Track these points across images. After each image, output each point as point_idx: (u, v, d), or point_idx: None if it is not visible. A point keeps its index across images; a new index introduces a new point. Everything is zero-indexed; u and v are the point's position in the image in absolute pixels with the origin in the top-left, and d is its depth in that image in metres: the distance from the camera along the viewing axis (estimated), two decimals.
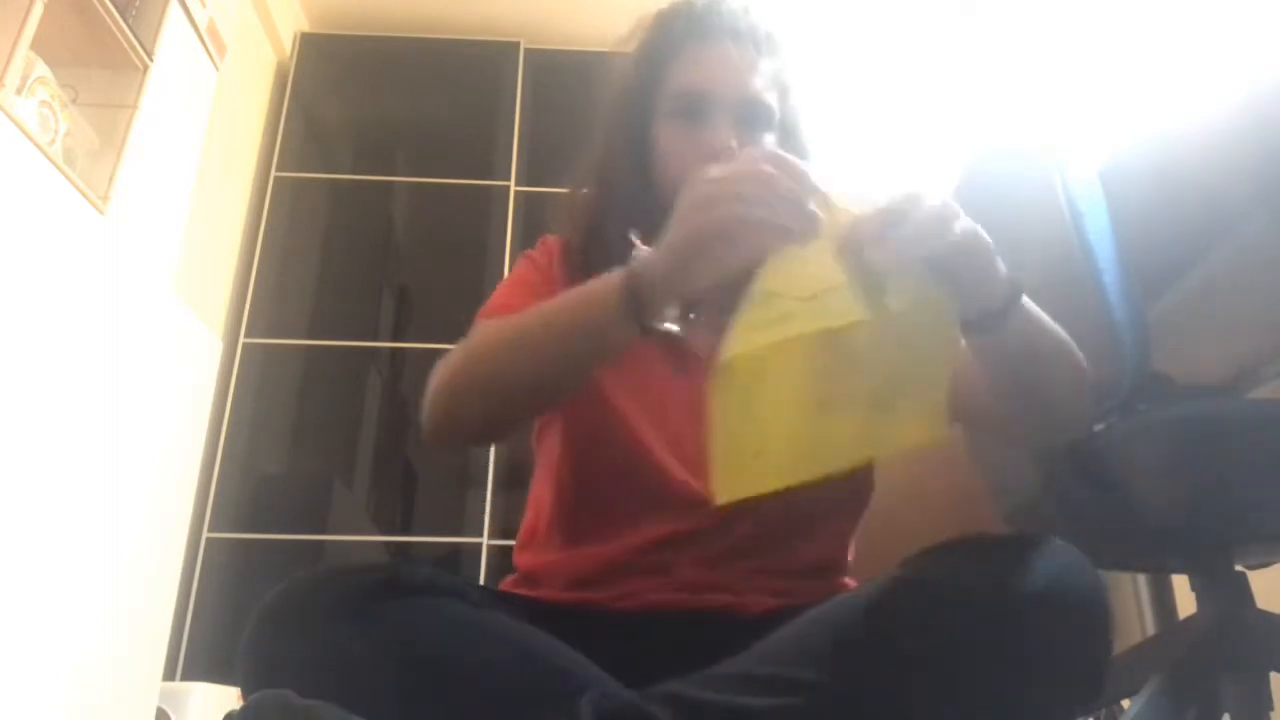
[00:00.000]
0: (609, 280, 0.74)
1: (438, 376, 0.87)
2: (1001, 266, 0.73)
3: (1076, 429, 0.96)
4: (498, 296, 0.99)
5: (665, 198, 0.88)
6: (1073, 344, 0.83)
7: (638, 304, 0.72)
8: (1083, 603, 0.64)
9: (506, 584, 0.95)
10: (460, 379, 0.85)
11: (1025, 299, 0.75)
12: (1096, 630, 0.64)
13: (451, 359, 0.87)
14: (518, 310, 0.90)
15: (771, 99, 0.97)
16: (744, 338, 0.63)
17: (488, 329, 0.87)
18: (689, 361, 0.91)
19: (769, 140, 0.97)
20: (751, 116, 0.95)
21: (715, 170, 0.69)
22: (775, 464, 0.66)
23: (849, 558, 0.96)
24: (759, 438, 0.66)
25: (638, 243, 0.77)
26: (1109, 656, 0.64)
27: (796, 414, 0.66)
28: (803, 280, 0.64)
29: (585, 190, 1.03)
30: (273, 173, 2.90)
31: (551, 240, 1.06)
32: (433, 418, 0.87)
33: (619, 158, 0.99)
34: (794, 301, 0.64)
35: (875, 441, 0.69)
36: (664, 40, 1.00)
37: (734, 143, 0.92)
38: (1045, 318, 0.80)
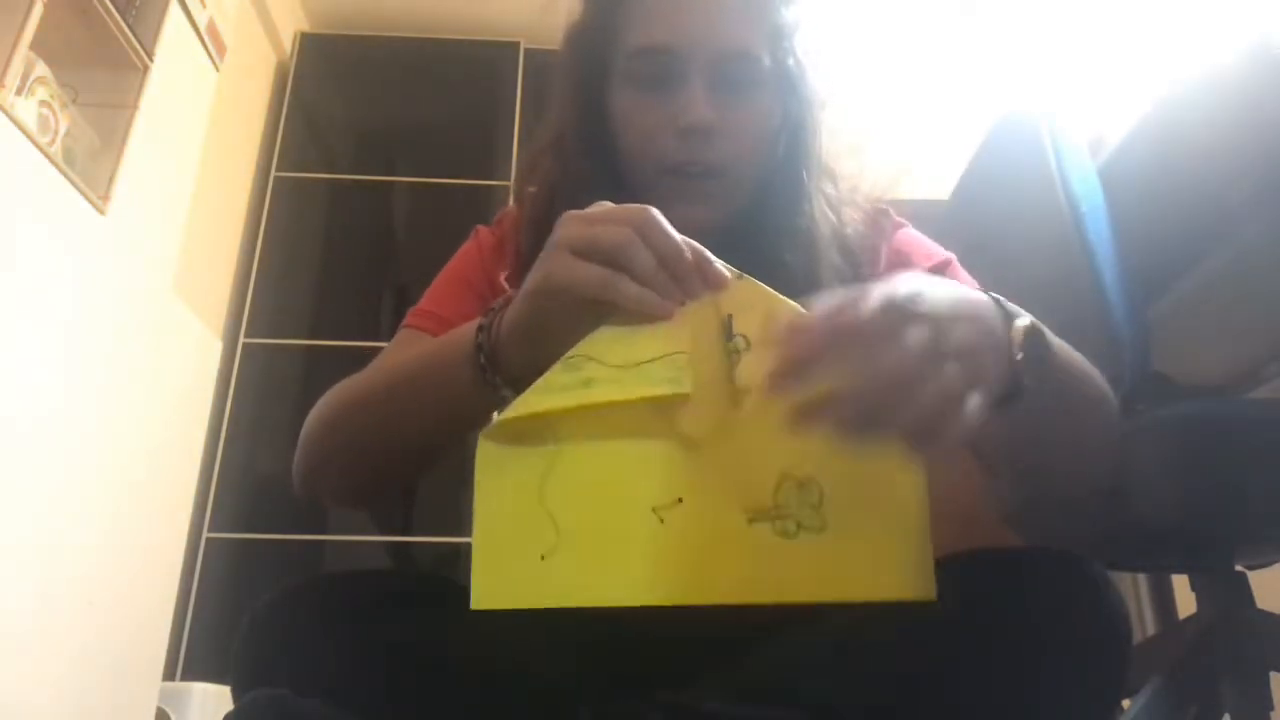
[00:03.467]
0: (463, 334, 0.63)
1: (310, 421, 0.76)
2: (1004, 332, 0.55)
3: (1086, 489, 0.78)
4: (429, 296, 0.87)
5: (633, 181, 0.79)
6: (1106, 391, 0.68)
7: (491, 365, 0.60)
8: (1099, 623, 0.61)
9: None
10: (324, 436, 0.75)
11: (1053, 358, 0.60)
12: (1113, 651, 0.61)
13: (325, 402, 0.76)
14: (444, 320, 0.82)
15: (759, 48, 0.76)
16: (525, 401, 0.51)
17: (358, 380, 0.76)
18: None
19: (760, 96, 0.77)
20: (732, 76, 0.76)
21: (586, 220, 0.56)
22: (585, 573, 0.51)
23: None
24: (547, 533, 0.51)
25: (506, 285, 0.66)
26: (1125, 677, 0.62)
27: (622, 513, 0.51)
28: (628, 347, 0.52)
29: (539, 184, 0.86)
30: (273, 173, 2.90)
31: (513, 219, 0.90)
32: (299, 471, 0.77)
33: (573, 141, 0.82)
34: (606, 368, 0.51)
35: (787, 580, 0.51)
36: None
37: (710, 113, 0.74)
38: (1077, 366, 0.65)
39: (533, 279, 0.58)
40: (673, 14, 0.75)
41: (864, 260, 0.81)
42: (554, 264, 0.56)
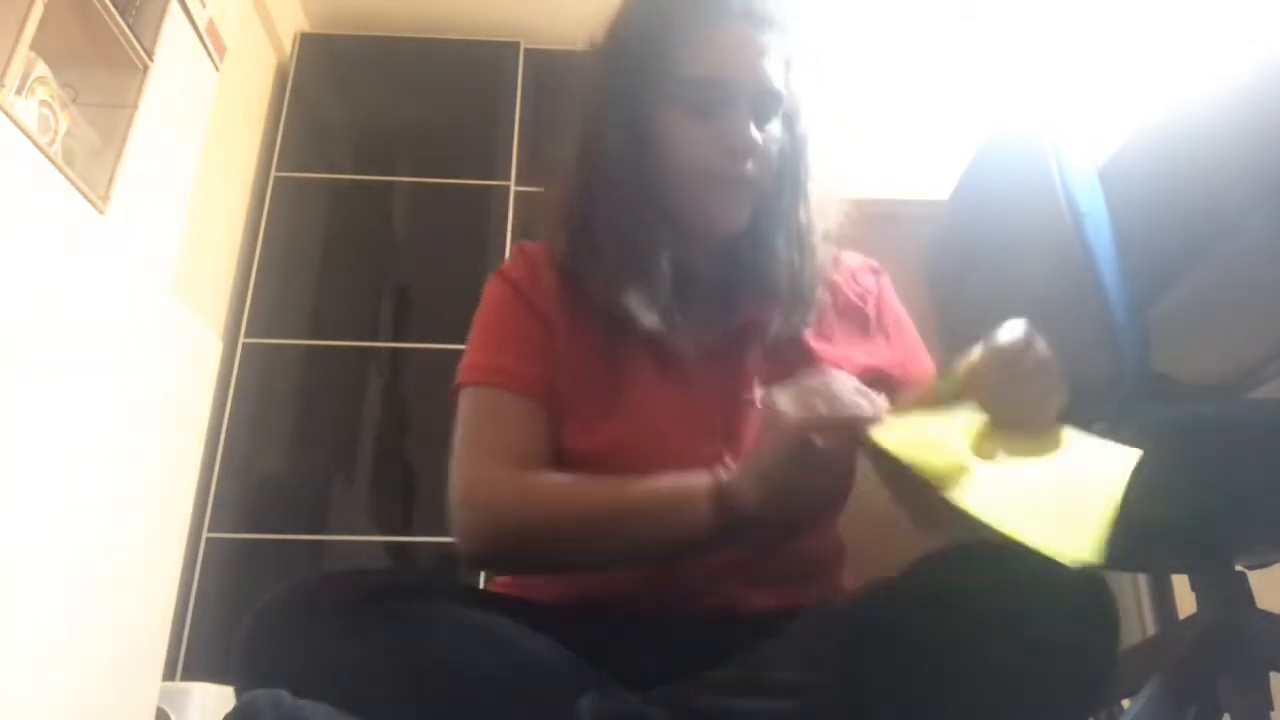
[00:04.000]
0: (696, 498, 0.74)
1: (495, 514, 0.83)
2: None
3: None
4: (487, 350, 0.94)
5: (670, 194, 0.91)
6: None
7: (732, 529, 0.73)
8: (1089, 613, 0.63)
9: (502, 583, 0.94)
10: (518, 541, 0.83)
11: None
12: (1101, 636, 0.63)
13: (493, 497, 0.84)
14: (519, 376, 0.90)
15: (782, 85, 0.91)
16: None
17: (559, 491, 0.83)
18: (673, 366, 0.91)
19: (776, 127, 0.92)
20: (767, 107, 0.91)
21: (808, 408, 0.70)
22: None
23: (842, 553, 0.96)
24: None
25: (724, 468, 0.76)
26: (1114, 662, 0.63)
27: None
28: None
29: (569, 186, 0.95)
30: (273, 173, 2.90)
31: (532, 249, 0.99)
32: (478, 548, 0.84)
33: (612, 149, 0.92)
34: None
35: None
36: (669, 18, 0.91)
37: (758, 136, 0.89)
38: None
39: (788, 428, 0.69)
40: (724, 52, 0.89)
41: (865, 291, 1.01)
42: (819, 401, 0.70)
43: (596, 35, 0.97)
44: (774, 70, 0.90)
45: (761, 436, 0.72)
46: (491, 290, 0.98)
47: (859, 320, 0.98)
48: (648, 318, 0.88)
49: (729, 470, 0.74)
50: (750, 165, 0.89)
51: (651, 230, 0.90)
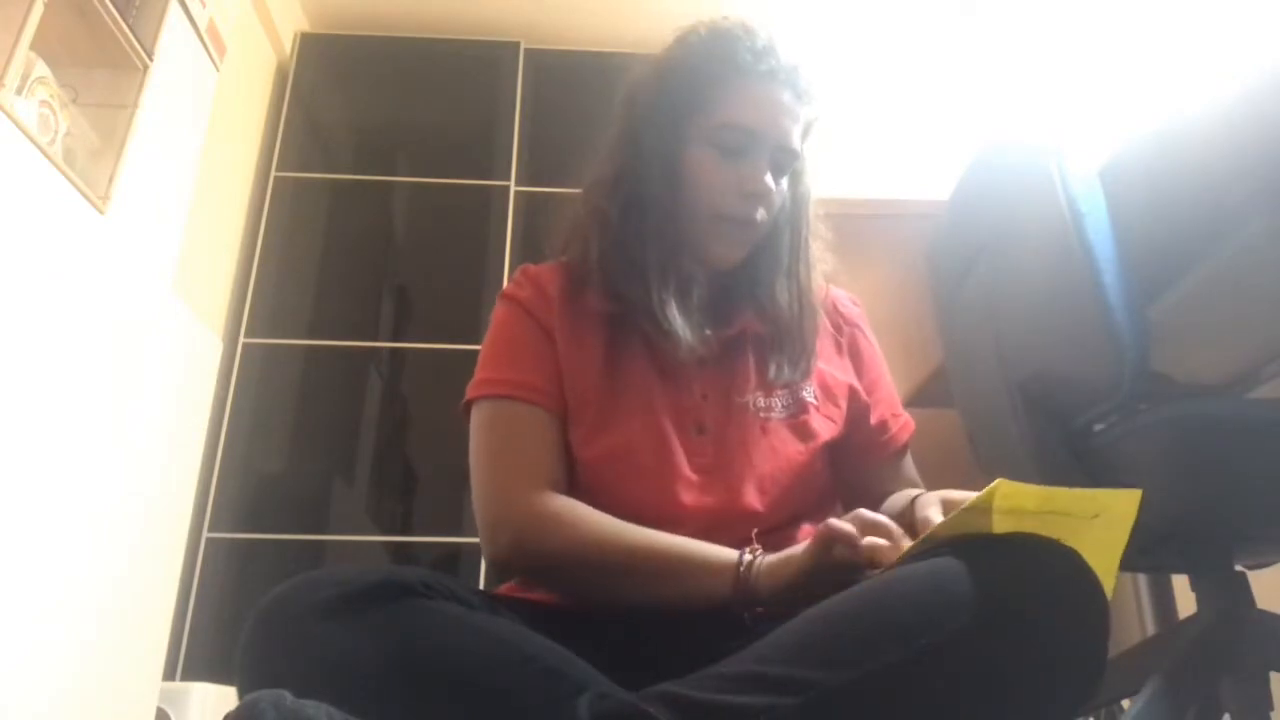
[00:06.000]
0: (720, 576, 0.81)
1: (514, 538, 0.88)
2: None
3: None
4: (497, 368, 0.98)
5: (692, 224, 0.99)
6: None
7: (748, 605, 0.81)
8: (1080, 603, 0.64)
9: (505, 588, 0.95)
10: (561, 571, 0.88)
11: None
12: (1093, 631, 0.64)
13: (529, 528, 0.88)
14: (536, 388, 0.95)
15: (799, 146, 1.01)
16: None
17: (604, 532, 0.87)
18: (671, 370, 0.97)
19: (785, 183, 1.01)
20: (783, 163, 1.00)
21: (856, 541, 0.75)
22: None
23: None
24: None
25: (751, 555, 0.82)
26: (1105, 657, 0.64)
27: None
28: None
29: (601, 205, 1.01)
30: (273, 173, 2.90)
31: (535, 270, 1.05)
32: (517, 559, 0.90)
33: (652, 178, 0.99)
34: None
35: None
36: (719, 66, 0.99)
37: (771, 184, 0.97)
38: None
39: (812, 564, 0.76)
40: (761, 107, 0.98)
41: (844, 319, 1.11)
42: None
43: (646, 69, 1.04)
44: (795, 132, 0.99)
45: (811, 555, 0.77)
46: (497, 312, 1.04)
47: (833, 342, 1.08)
48: (674, 320, 0.95)
49: (757, 556, 0.80)
50: (760, 211, 0.98)
51: (674, 252, 0.99)
